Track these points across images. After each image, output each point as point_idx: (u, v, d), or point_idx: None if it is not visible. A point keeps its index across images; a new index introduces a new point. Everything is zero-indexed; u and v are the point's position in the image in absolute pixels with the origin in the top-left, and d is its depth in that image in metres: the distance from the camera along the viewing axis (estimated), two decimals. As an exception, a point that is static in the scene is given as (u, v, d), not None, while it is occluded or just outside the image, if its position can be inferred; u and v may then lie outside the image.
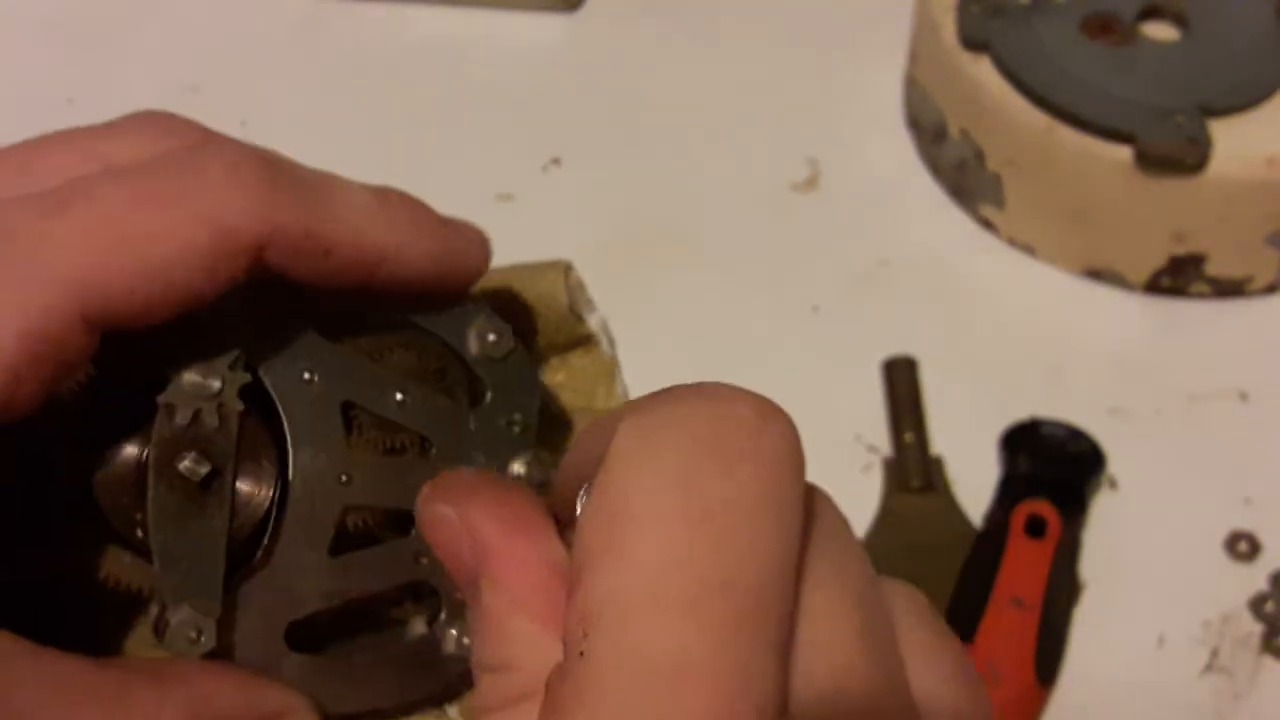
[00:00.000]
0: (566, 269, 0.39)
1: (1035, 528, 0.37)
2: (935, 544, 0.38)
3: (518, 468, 0.31)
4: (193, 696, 0.26)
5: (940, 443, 0.40)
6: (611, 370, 0.40)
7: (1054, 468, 0.39)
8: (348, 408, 0.30)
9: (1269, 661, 0.36)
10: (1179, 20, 0.47)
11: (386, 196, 0.29)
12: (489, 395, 0.31)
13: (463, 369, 0.32)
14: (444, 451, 0.31)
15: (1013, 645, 0.35)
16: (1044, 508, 0.37)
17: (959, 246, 0.47)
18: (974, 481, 0.39)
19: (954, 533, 0.38)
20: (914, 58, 0.50)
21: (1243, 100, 0.43)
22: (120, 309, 0.24)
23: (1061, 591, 0.36)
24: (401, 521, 0.31)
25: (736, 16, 0.55)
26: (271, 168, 0.26)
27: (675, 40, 0.54)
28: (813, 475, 0.42)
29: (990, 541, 0.37)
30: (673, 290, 0.45)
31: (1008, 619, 0.35)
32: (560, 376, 0.40)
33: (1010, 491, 0.38)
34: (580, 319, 0.39)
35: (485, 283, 0.38)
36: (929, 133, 0.49)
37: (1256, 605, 0.37)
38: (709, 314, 0.44)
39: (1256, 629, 0.36)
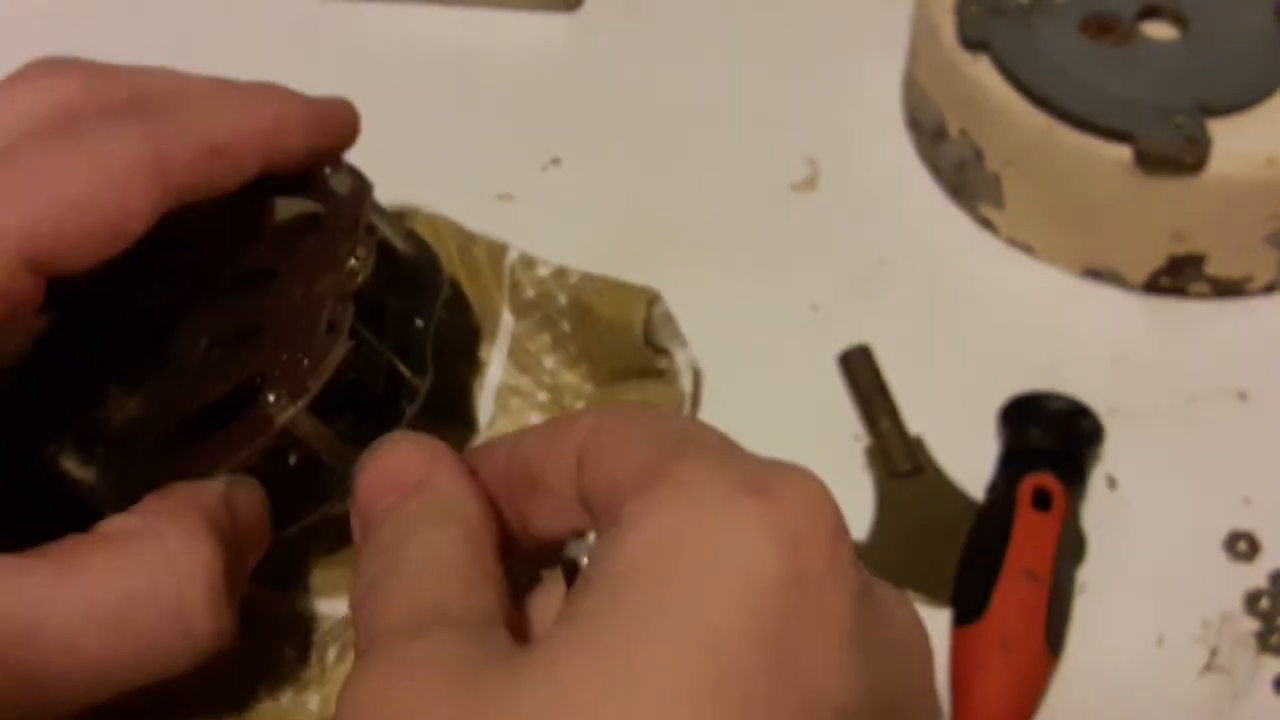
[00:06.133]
0: (651, 300, 0.38)
1: (1041, 500, 0.37)
2: (936, 524, 0.38)
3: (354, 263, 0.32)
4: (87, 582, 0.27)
5: (940, 443, 0.40)
6: (680, 406, 0.40)
7: (1055, 439, 0.39)
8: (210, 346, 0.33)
9: (1268, 661, 0.36)
10: (1178, 20, 0.47)
11: (249, 90, 0.31)
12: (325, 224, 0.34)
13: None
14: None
15: (1025, 616, 0.35)
16: (1048, 480, 0.37)
17: (958, 246, 0.47)
18: (974, 482, 0.39)
19: (953, 509, 0.38)
20: (913, 57, 0.50)
21: (1242, 100, 0.43)
22: (56, 248, 0.27)
23: (1066, 561, 0.37)
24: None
25: (736, 17, 0.55)
26: (146, 112, 0.28)
27: (675, 40, 0.54)
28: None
29: (995, 515, 0.38)
30: (672, 290, 0.45)
31: (1020, 591, 0.35)
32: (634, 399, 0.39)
33: (1013, 464, 0.39)
34: (660, 351, 0.39)
35: (576, 292, 0.39)
36: (928, 132, 0.49)
37: (1251, 601, 0.37)
38: (708, 313, 0.44)
39: (1255, 628, 0.37)
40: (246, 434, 0.30)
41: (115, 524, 0.28)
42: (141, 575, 0.27)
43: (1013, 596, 0.35)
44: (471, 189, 0.48)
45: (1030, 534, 0.36)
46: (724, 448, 0.25)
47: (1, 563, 0.26)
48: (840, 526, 0.22)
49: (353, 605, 0.25)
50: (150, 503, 0.29)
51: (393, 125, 0.51)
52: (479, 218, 0.42)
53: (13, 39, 0.54)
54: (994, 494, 0.38)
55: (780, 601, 0.21)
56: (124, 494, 0.30)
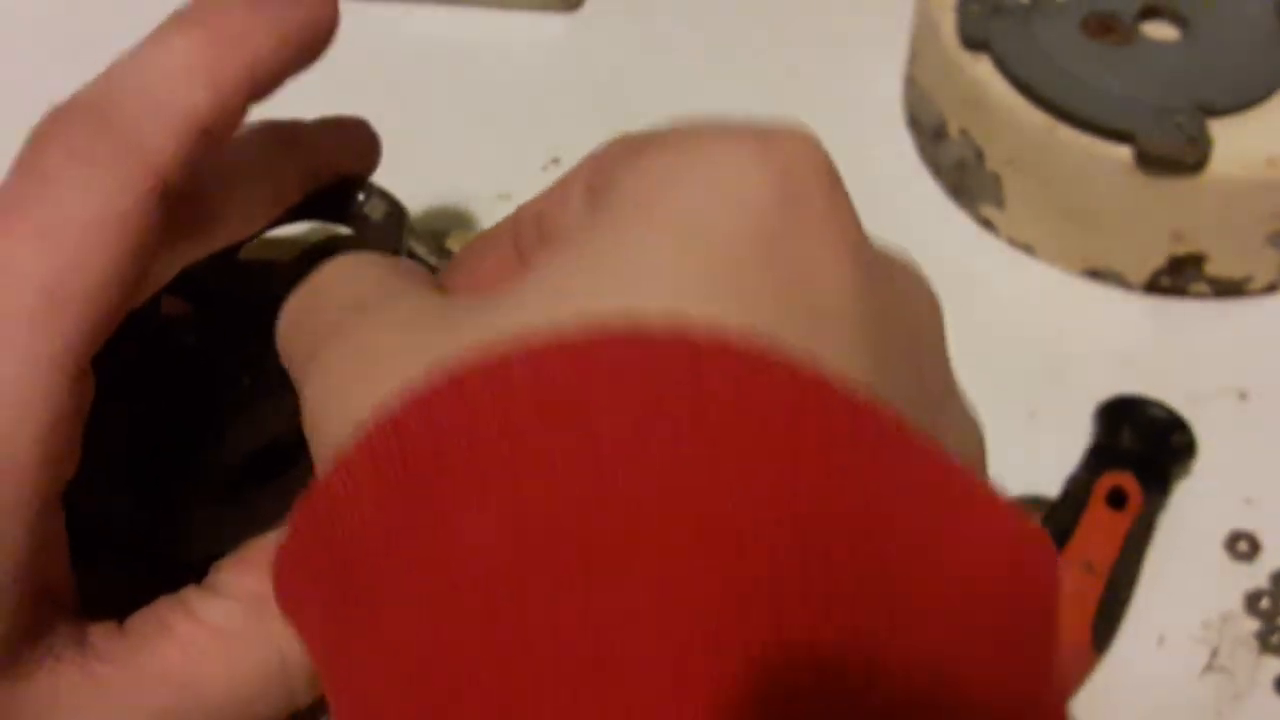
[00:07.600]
0: None
1: (1116, 499, 0.38)
2: None
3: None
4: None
5: (940, 442, 0.40)
6: None
7: (1143, 444, 0.40)
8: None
9: (1269, 661, 0.36)
10: (1179, 20, 0.47)
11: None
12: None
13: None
14: None
15: (1074, 606, 0.36)
16: (1128, 480, 0.38)
17: (959, 246, 0.47)
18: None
19: None
20: (914, 57, 0.50)
21: (1243, 100, 0.43)
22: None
23: (1131, 566, 0.37)
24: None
25: (736, 16, 0.55)
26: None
27: (676, 40, 0.54)
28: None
29: (1069, 505, 0.38)
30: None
31: (1074, 580, 0.36)
32: None
33: (1097, 460, 0.39)
34: None
35: None
36: (929, 132, 0.49)
37: (1252, 601, 0.37)
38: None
39: (1256, 628, 0.36)
40: (308, 481, 0.30)
41: (220, 613, 0.28)
42: (256, 681, 0.27)
43: (1065, 584, 0.36)
44: (471, 189, 0.48)
45: (1097, 528, 0.37)
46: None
47: (96, 656, 0.26)
48: (838, 177, 0.23)
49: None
50: (246, 580, 0.28)
51: (392, 125, 0.51)
52: (479, 217, 0.42)
53: (11, 40, 0.54)
54: (1072, 486, 0.39)
55: (779, 216, 0.21)
56: (182, 543, 0.30)
